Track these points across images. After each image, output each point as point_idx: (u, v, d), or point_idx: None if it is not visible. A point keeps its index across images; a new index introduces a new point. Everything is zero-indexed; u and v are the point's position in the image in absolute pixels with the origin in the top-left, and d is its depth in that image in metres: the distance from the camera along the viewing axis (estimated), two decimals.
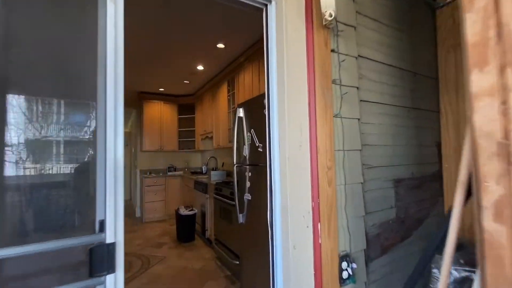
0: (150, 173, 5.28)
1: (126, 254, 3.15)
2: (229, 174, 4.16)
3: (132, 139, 6.63)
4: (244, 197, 1.87)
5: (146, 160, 5.37)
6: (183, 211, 3.68)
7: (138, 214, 5.24)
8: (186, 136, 5.68)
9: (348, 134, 1.16)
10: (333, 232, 1.06)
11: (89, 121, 0.86)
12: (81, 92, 0.88)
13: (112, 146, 0.78)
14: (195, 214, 3.72)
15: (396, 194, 1.37)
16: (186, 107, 5.65)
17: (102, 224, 0.76)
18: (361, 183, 1.20)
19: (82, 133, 0.86)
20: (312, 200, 1.03)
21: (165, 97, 5.27)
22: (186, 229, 3.63)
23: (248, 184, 1.83)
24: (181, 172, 5.29)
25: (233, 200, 2.57)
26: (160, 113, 5.23)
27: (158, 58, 3.36)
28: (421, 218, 1.49)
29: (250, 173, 1.81)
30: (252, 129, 1.79)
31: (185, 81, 4.36)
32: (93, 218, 0.78)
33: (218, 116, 4.03)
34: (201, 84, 4.49)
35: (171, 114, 5.35)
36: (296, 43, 1.11)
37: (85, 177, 0.86)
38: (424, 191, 1.53)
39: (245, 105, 1.97)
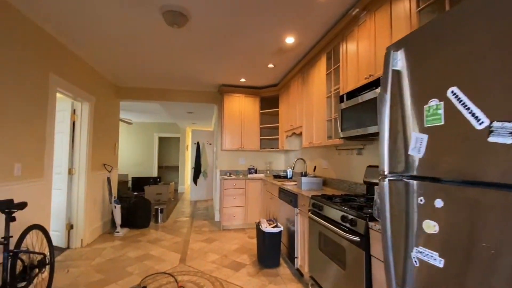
0: (230, 174, 4.77)
1: (198, 274, 2.54)
2: (326, 182, 3.13)
3: (214, 138, 6.43)
4: (413, 255, 0.82)
5: (226, 160, 4.90)
6: (266, 227, 2.87)
7: (217, 218, 4.81)
8: (269, 134, 4.94)
9: None
10: None
11: None
12: None
13: None
14: (280, 232, 2.86)
15: None
16: (269, 100, 4.91)
17: None
18: None
19: None
20: None
21: (246, 90, 4.66)
22: (269, 250, 2.80)
23: (429, 226, 0.77)
24: (262, 175, 4.56)
25: (347, 229, 1.55)
26: (241, 107, 4.66)
27: (238, 34, 2.66)
28: None
29: (440, 202, 0.75)
30: (454, 89, 0.72)
31: (269, 65, 3.58)
32: None
33: (311, 104, 3.06)
34: (289, 66, 3.62)
35: (252, 109, 4.70)
36: None
37: None
38: None
39: (414, 39, 0.89)
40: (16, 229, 2.08)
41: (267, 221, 3.06)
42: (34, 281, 2.08)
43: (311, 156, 3.72)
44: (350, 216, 1.56)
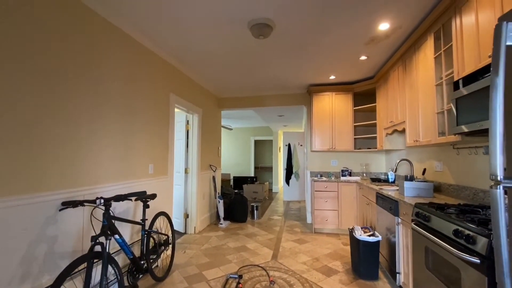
0: (321, 175, 4.64)
1: (288, 272, 2.60)
2: (440, 189, 2.59)
3: (305, 139, 6.39)
4: None
5: (317, 161, 4.79)
6: (360, 234, 2.63)
7: (309, 220, 4.76)
8: (364, 133, 4.51)
9: None
10: None
11: None
12: None
13: None
14: (378, 242, 2.56)
15: None
16: (364, 95, 4.50)
17: None
18: None
19: None
20: None
21: (336, 87, 4.42)
22: (364, 260, 2.56)
23: None
24: (357, 178, 4.21)
25: (462, 247, 1.24)
26: (332, 105, 4.45)
27: (324, 32, 2.58)
28: None
29: None
30: None
31: (361, 58, 3.28)
32: None
33: (415, 95, 2.60)
34: (385, 55, 3.21)
35: (344, 106, 4.41)
36: None
37: None
38: None
39: None
40: (148, 215, 2.73)
41: (362, 228, 2.80)
42: (161, 256, 2.67)
43: (419, 156, 3.15)
44: (467, 232, 1.24)
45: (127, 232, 2.46)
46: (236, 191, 6.68)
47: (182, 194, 4.17)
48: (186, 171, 4.19)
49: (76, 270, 1.78)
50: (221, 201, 4.61)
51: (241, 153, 9.68)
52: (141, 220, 2.30)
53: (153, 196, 2.42)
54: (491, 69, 0.69)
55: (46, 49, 1.70)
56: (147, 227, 2.41)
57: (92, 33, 2.08)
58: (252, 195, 7.18)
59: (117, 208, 2.32)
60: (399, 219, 2.28)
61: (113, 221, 1.83)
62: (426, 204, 1.83)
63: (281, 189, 9.58)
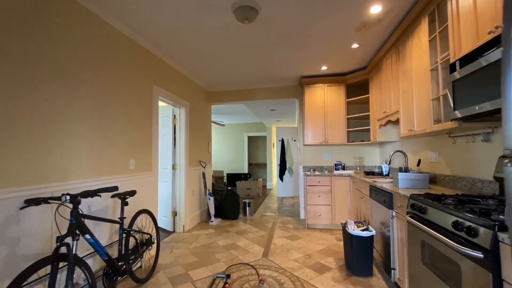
0: (314, 170, 4.52)
1: (279, 270, 2.46)
2: (436, 180, 2.48)
3: (298, 133, 6.26)
4: None
5: (310, 156, 4.66)
6: (353, 229, 2.51)
7: (302, 216, 4.64)
8: (357, 125, 4.39)
9: None
10: None
11: None
12: None
13: None
14: (371, 237, 2.44)
15: None
16: (356, 87, 4.37)
17: None
18: None
19: None
20: None
21: (329, 78, 4.29)
22: (358, 256, 2.44)
23: None
24: (351, 172, 4.09)
25: (463, 241, 1.11)
26: (324, 98, 4.32)
27: (312, 16, 2.43)
28: None
29: None
30: None
31: (353, 46, 3.15)
32: None
33: (409, 83, 2.48)
34: (378, 42, 3.08)
35: (337, 98, 4.29)
36: None
37: None
38: None
39: None
40: (129, 213, 2.57)
41: (355, 223, 2.68)
42: (144, 256, 2.52)
43: (413, 147, 3.04)
44: (468, 223, 1.12)
45: (105, 232, 2.29)
46: (228, 188, 6.52)
47: (170, 192, 4.01)
48: (173, 167, 4.02)
49: (37, 276, 1.62)
50: (212, 198, 4.46)
51: (235, 150, 9.53)
52: (118, 218, 2.14)
53: (132, 193, 2.26)
54: (502, 41, 0.56)
55: (5, 32, 1.52)
56: (126, 226, 2.25)
57: (61, 16, 1.89)
58: (245, 191, 7.05)
59: (94, 206, 2.15)
60: (394, 212, 2.16)
61: (83, 219, 1.67)
62: (422, 195, 1.71)
63: (275, 186, 9.46)
